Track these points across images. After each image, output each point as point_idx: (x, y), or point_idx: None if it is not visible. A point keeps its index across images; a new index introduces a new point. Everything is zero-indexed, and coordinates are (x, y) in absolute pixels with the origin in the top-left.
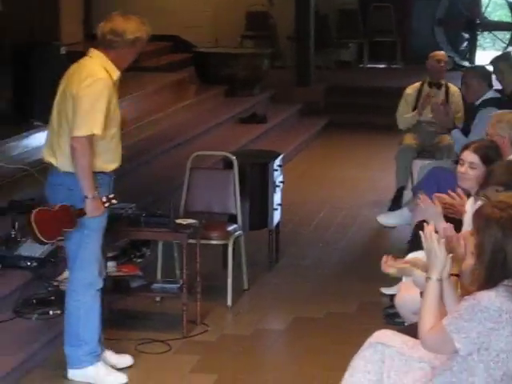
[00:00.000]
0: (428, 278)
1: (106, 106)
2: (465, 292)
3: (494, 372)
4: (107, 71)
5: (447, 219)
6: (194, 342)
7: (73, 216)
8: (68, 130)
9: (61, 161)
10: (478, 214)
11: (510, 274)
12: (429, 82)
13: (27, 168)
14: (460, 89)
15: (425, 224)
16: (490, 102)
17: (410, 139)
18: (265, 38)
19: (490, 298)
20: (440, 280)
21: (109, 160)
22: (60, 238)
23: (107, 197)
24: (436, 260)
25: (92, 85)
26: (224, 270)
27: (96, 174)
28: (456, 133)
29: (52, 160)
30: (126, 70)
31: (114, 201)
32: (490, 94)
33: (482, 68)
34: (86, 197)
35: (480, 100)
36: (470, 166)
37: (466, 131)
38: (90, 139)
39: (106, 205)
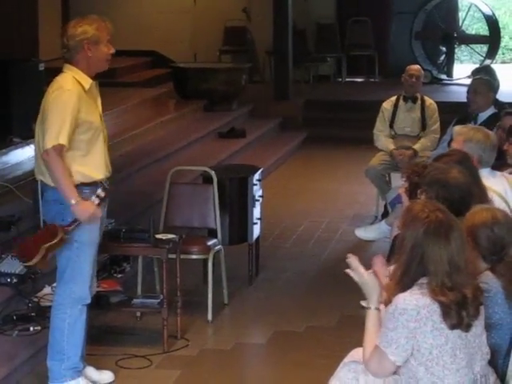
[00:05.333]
0: (368, 308)
1: (72, 116)
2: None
3: (434, 370)
4: (79, 81)
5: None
6: (174, 357)
7: (55, 231)
8: None
9: (49, 177)
10: (407, 210)
11: (424, 272)
12: (403, 95)
13: (7, 185)
14: (467, 95)
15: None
16: (492, 119)
17: (376, 159)
18: (243, 53)
19: (405, 298)
20: (378, 309)
21: (92, 168)
22: (50, 253)
23: (96, 195)
24: (371, 290)
25: (57, 97)
26: (204, 284)
27: (81, 187)
28: None
29: (41, 177)
30: (105, 85)
31: (100, 192)
32: (490, 111)
33: (493, 78)
34: (71, 204)
35: (484, 117)
36: None
37: None
38: (59, 150)
39: (97, 202)
